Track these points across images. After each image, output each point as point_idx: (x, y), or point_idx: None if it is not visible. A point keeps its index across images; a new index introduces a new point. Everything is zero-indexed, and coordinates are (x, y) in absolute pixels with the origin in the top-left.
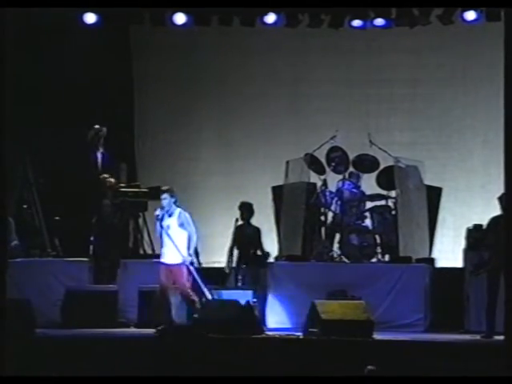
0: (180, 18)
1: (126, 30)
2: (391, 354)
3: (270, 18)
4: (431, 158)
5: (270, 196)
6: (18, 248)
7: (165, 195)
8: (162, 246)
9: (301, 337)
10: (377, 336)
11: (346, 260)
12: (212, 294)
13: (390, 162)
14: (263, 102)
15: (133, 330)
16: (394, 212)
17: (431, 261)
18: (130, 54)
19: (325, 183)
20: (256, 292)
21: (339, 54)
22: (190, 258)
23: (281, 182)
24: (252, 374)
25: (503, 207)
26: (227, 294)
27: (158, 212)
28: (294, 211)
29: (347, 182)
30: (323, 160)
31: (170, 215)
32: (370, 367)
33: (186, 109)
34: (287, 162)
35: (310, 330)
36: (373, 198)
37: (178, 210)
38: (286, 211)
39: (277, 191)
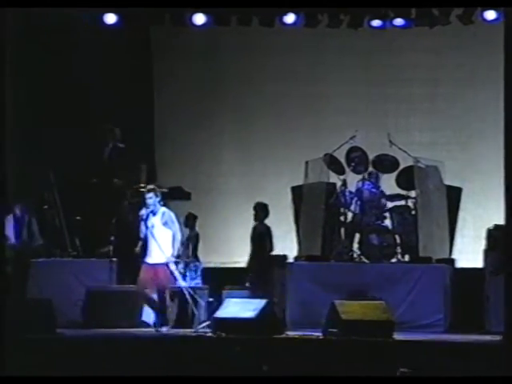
0: (199, 19)
1: (147, 30)
2: (411, 355)
3: (290, 18)
4: (451, 159)
5: (289, 196)
6: (40, 248)
7: (150, 194)
8: (145, 246)
9: (320, 337)
10: (397, 336)
11: (366, 260)
12: (194, 297)
13: (410, 162)
14: (282, 103)
15: (153, 330)
16: (413, 212)
17: (451, 261)
18: (150, 55)
19: (344, 183)
20: (268, 294)
21: (358, 54)
22: (173, 259)
23: (300, 183)
24: (271, 374)
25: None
26: (234, 295)
27: (142, 211)
28: (314, 211)
29: (367, 182)
30: (343, 160)
31: (154, 214)
32: (402, 369)
33: (206, 109)
34: (306, 163)
35: (330, 330)
36: (392, 198)
37: (163, 208)
38: (306, 211)
39: (296, 191)
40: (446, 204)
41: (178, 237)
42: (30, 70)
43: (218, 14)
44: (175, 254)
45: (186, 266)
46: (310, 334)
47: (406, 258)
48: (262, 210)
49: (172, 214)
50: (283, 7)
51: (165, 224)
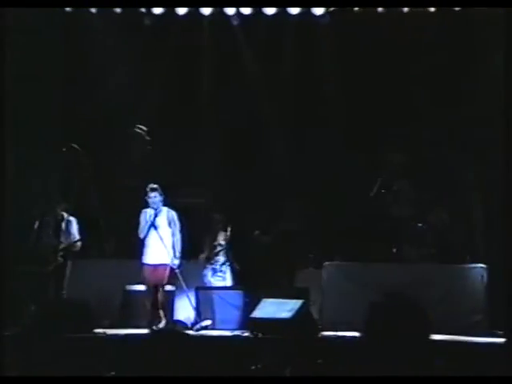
0: None
1: None
2: (449, 355)
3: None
4: None
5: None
6: (78, 248)
7: (155, 193)
8: (144, 246)
9: (357, 337)
10: (435, 337)
11: (403, 260)
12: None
13: (448, 164)
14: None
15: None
16: (451, 213)
17: (489, 261)
18: None
19: (383, 184)
20: (304, 294)
21: None
22: (177, 262)
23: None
24: (306, 375)
25: None
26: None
27: (148, 211)
28: (352, 211)
29: (405, 183)
30: (382, 161)
31: (157, 214)
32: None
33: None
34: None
35: (367, 330)
36: (430, 199)
37: (165, 208)
38: (342, 212)
39: (329, 192)
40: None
41: (178, 237)
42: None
43: None
44: (177, 254)
45: (222, 266)
46: (346, 334)
47: (444, 257)
48: (294, 211)
49: (174, 214)
50: None
51: (168, 224)
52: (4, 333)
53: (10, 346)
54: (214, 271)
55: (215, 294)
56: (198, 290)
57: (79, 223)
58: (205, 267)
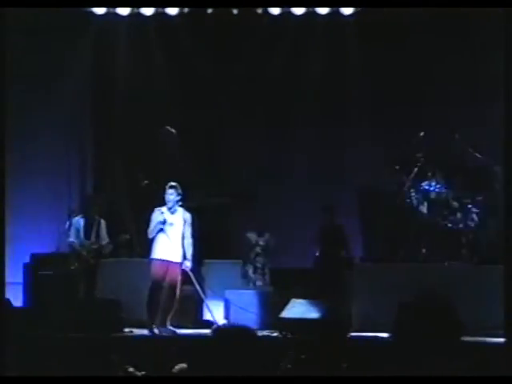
0: None
1: None
2: (481, 357)
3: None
4: None
5: (355, 197)
6: (108, 248)
7: (171, 191)
8: (154, 243)
9: (387, 338)
10: (466, 339)
11: (434, 261)
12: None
13: (479, 163)
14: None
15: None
16: (481, 213)
17: None
18: None
19: (411, 184)
20: (334, 295)
21: None
22: (189, 264)
23: (367, 184)
24: (336, 375)
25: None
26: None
27: (162, 209)
28: (380, 212)
29: (433, 183)
30: (410, 160)
31: (172, 213)
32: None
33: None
34: (374, 164)
35: (398, 331)
36: (459, 198)
37: (181, 209)
38: (372, 212)
39: (362, 192)
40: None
41: (190, 241)
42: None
43: None
44: (188, 256)
45: (263, 266)
46: (376, 335)
47: (475, 259)
48: (328, 212)
49: (189, 217)
50: None
51: (183, 224)
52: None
53: (40, 346)
54: (255, 269)
55: (244, 295)
56: (227, 289)
57: (109, 225)
58: (244, 266)
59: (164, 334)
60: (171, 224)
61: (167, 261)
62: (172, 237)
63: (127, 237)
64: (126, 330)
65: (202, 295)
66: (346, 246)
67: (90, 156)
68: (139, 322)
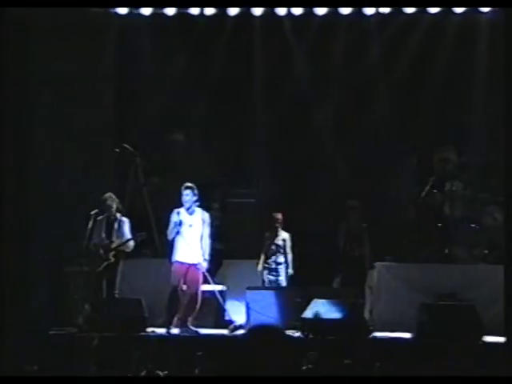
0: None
1: None
2: (502, 357)
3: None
4: None
5: (379, 197)
6: (130, 245)
7: (188, 191)
8: (174, 245)
9: (410, 338)
10: (487, 339)
11: (455, 261)
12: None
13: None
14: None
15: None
16: (504, 214)
17: None
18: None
19: (435, 184)
20: (356, 294)
21: None
22: (205, 264)
23: (391, 184)
24: (357, 375)
25: None
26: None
27: (180, 210)
28: (404, 212)
29: (458, 183)
30: (434, 160)
31: (190, 213)
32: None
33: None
34: (398, 164)
35: (420, 331)
36: (484, 199)
37: (199, 209)
38: (396, 212)
39: (386, 192)
40: None
41: (208, 242)
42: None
43: None
44: (206, 256)
45: (278, 266)
46: (398, 335)
47: (497, 259)
48: (352, 211)
49: (207, 216)
50: None
51: (202, 224)
52: (59, 332)
53: (65, 345)
54: (270, 270)
55: (266, 294)
56: (248, 289)
57: (131, 223)
58: (263, 266)
59: (186, 334)
60: (190, 225)
61: (187, 263)
62: (191, 238)
63: (144, 234)
64: (149, 329)
65: (219, 296)
66: (369, 245)
67: (111, 155)
68: (161, 322)
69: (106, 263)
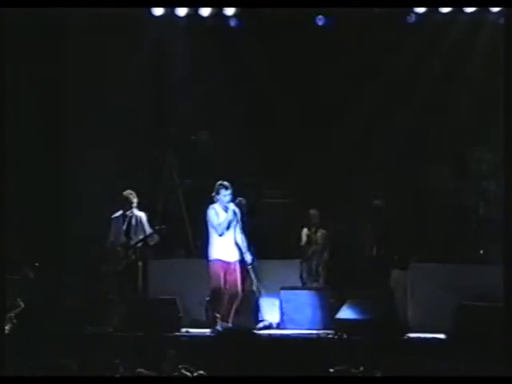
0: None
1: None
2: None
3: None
4: None
5: (412, 197)
6: (153, 239)
7: (224, 190)
8: (211, 243)
9: (443, 339)
10: None
11: (490, 261)
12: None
13: None
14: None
15: (274, 330)
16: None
17: None
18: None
19: (470, 184)
20: (390, 295)
21: None
22: (249, 257)
23: (425, 184)
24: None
25: None
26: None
27: (216, 209)
28: (438, 213)
29: (491, 183)
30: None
31: (226, 211)
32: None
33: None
34: (432, 163)
35: (454, 332)
36: None
37: (233, 205)
38: (430, 213)
39: (419, 192)
40: None
41: (242, 234)
42: None
43: None
44: (244, 249)
45: (317, 266)
46: (432, 335)
47: None
48: (377, 211)
49: (239, 211)
50: None
51: (236, 221)
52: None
53: (100, 344)
54: (310, 271)
55: (300, 295)
56: (282, 289)
57: (164, 223)
58: (300, 265)
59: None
60: (229, 222)
61: (227, 260)
62: (228, 236)
63: (163, 227)
64: (183, 329)
65: (260, 290)
66: (397, 246)
67: (146, 156)
68: (195, 322)
69: (125, 261)
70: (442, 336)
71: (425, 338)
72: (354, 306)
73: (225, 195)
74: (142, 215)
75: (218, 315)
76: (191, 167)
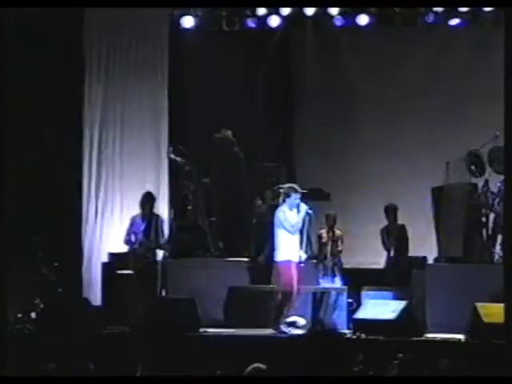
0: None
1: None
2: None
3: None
4: None
5: (429, 197)
6: (166, 246)
7: (299, 194)
8: (281, 244)
9: (462, 340)
10: None
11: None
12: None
13: None
14: (422, 101)
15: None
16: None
17: None
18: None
19: (486, 184)
20: (408, 295)
21: None
22: (305, 255)
23: (441, 183)
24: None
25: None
26: (377, 295)
27: (284, 209)
28: (455, 212)
29: None
30: (484, 160)
31: (306, 211)
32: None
33: (345, 109)
34: (447, 163)
35: (472, 332)
36: None
37: (304, 205)
38: (447, 213)
39: (436, 192)
40: None
41: (303, 237)
42: None
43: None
44: (309, 253)
45: (333, 267)
46: (451, 336)
47: None
48: (391, 212)
49: (308, 213)
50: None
51: (310, 221)
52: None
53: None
54: (325, 271)
55: (318, 294)
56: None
57: (182, 224)
58: (316, 266)
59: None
60: (303, 221)
61: (296, 261)
62: (294, 237)
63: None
64: (201, 330)
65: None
66: (409, 246)
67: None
68: (214, 322)
69: (145, 261)
70: (460, 336)
71: (443, 339)
72: (372, 306)
73: (295, 198)
74: (161, 215)
75: (283, 316)
76: (208, 168)
